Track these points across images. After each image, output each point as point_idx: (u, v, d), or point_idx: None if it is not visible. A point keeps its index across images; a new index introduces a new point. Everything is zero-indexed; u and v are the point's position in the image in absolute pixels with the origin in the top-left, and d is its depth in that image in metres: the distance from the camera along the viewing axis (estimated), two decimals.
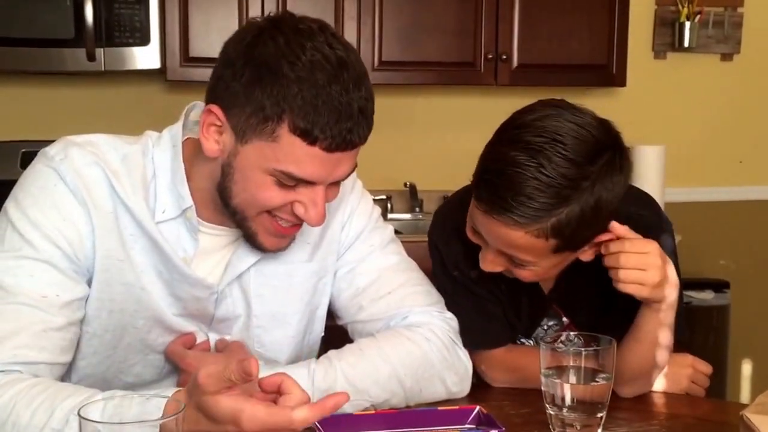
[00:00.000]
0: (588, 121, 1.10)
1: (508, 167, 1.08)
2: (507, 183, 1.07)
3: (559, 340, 1.10)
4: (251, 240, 1.12)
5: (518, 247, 1.12)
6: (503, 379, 1.30)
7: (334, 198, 1.12)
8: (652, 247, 1.13)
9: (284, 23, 1.04)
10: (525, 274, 1.18)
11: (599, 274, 1.18)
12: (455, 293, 1.29)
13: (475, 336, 1.27)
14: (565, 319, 1.33)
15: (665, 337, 1.20)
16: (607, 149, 1.10)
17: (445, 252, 1.30)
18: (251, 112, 1.02)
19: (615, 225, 1.15)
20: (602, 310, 1.26)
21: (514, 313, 1.32)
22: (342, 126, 1.01)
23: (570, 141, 1.07)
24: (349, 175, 1.09)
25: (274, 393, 0.92)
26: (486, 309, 1.29)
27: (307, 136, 1.00)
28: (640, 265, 1.12)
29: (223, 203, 1.10)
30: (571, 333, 1.14)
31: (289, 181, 1.04)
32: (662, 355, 1.22)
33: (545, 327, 1.34)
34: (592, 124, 1.10)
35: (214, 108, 1.05)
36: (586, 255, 1.18)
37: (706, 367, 1.34)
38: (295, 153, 1.02)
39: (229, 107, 1.04)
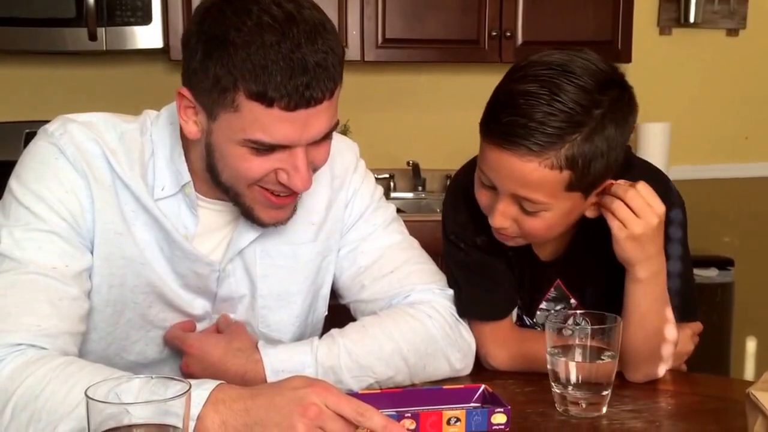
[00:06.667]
0: (595, 57, 1.12)
1: (519, 98, 1.09)
2: (519, 112, 1.08)
3: (566, 325, 1.09)
4: (249, 216, 1.12)
5: (531, 184, 1.10)
6: (507, 357, 1.26)
7: (323, 161, 1.10)
8: (660, 208, 1.13)
9: None
10: (535, 225, 1.14)
11: (605, 252, 1.17)
12: (463, 261, 1.26)
13: (481, 307, 1.25)
14: (573, 301, 1.31)
15: (659, 314, 1.17)
16: (616, 84, 1.12)
17: (453, 216, 1.28)
18: (211, 87, 1.01)
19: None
20: (610, 291, 1.23)
21: (518, 282, 1.29)
22: (296, 82, 0.99)
23: (580, 71, 1.09)
24: (329, 131, 1.06)
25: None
26: (493, 276, 1.26)
27: (263, 98, 0.99)
28: (638, 210, 1.11)
29: (215, 183, 1.10)
30: (578, 313, 1.13)
31: (263, 148, 1.03)
32: (669, 333, 1.19)
33: (553, 312, 1.31)
34: (599, 60, 1.12)
35: (183, 90, 1.06)
36: (592, 210, 1.17)
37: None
38: (258, 118, 1.01)
39: (194, 87, 1.04)
